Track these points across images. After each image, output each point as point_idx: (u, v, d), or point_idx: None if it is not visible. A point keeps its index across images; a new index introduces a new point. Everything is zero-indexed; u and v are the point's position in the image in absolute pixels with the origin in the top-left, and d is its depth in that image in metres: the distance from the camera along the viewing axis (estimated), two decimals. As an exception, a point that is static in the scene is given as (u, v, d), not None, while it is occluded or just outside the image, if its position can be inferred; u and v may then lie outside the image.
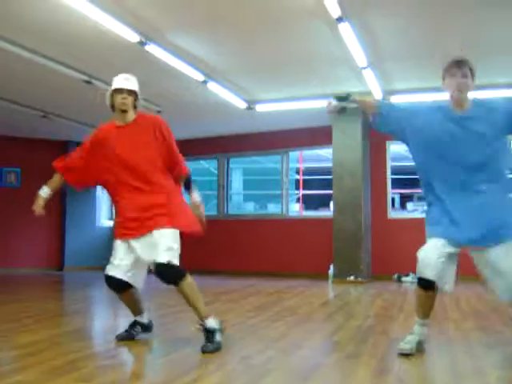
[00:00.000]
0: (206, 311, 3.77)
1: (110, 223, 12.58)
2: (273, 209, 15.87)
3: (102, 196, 12.44)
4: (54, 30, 5.66)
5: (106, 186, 4.07)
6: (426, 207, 3.71)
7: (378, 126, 3.81)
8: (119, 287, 3.94)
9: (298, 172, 15.78)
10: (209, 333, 3.69)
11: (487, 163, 3.38)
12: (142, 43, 5.79)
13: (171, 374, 3.13)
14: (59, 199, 11.66)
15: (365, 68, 6.78)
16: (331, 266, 9.02)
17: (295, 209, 15.28)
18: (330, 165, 9.56)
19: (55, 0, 4.88)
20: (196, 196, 4.16)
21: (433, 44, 6.15)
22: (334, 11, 5.07)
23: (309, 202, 17.50)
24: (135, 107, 4.06)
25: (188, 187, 4.17)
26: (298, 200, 16.27)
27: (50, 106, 8.82)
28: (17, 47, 5.96)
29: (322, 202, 16.60)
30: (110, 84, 4.08)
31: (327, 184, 10.28)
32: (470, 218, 3.35)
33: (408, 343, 3.50)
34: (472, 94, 3.51)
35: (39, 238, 11.44)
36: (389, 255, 9.18)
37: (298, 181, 16.02)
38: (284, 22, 5.58)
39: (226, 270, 10.39)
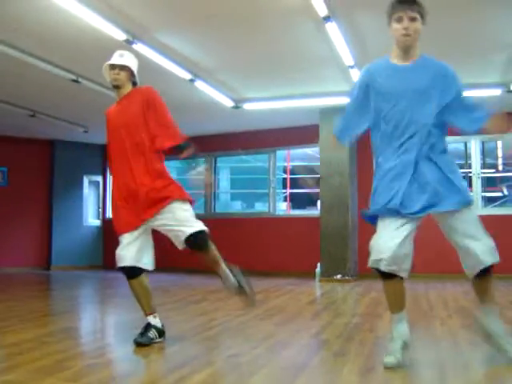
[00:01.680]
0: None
1: (97, 222, 12.54)
2: (260, 207, 15.85)
3: (89, 195, 12.40)
4: (41, 29, 5.63)
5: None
6: None
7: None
8: None
9: (285, 171, 15.82)
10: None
11: None
12: (129, 42, 5.77)
13: (158, 372, 3.14)
14: (47, 198, 11.62)
15: (352, 67, 6.80)
16: (318, 265, 9.05)
17: (282, 208, 15.31)
18: (317, 164, 9.59)
19: (44, 0, 4.87)
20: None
21: (420, 44, 6.16)
22: (321, 10, 5.09)
23: (296, 201, 17.51)
24: (134, 83, 4.07)
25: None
26: (285, 199, 16.32)
27: (38, 105, 8.76)
28: (4, 46, 5.92)
29: (309, 200, 16.61)
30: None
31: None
32: None
33: (391, 354, 3.10)
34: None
35: (26, 237, 11.37)
36: (376, 254, 9.17)
37: (285, 180, 16.07)
38: (271, 20, 5.60)
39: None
